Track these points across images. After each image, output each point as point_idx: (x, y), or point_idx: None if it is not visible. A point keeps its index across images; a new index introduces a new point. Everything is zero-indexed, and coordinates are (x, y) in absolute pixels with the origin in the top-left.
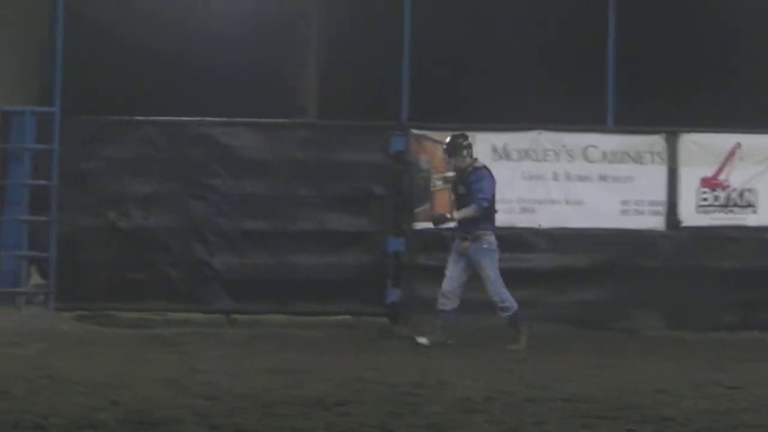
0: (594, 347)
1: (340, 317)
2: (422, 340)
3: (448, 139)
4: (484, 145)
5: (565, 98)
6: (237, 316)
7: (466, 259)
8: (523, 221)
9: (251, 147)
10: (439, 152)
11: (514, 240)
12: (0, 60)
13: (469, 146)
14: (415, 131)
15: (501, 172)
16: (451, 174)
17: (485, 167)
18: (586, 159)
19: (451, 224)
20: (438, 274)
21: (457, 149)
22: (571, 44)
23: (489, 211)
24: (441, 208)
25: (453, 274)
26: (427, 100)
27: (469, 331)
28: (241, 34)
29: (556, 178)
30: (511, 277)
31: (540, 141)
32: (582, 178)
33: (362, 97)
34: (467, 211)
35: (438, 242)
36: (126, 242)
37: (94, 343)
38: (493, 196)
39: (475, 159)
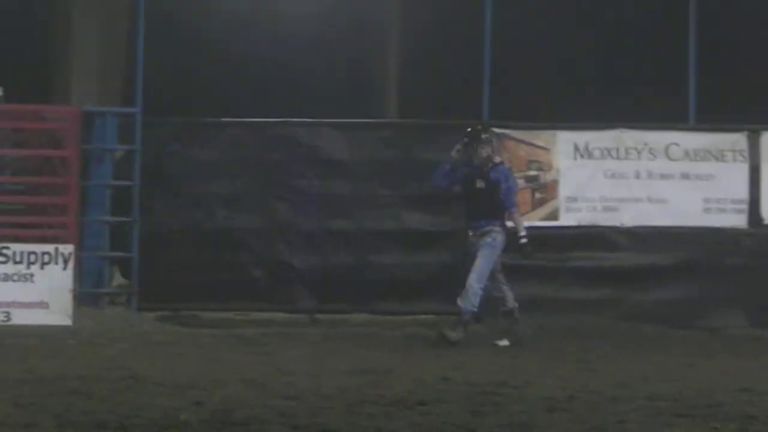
0: (676, 346)
1: (421, 317)
2: (503, 342)
3: (468, 130)
4: (566, 144)
5: (647, 96)
6: (319, 315)
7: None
8: (605, 220)
9: (334, 147)
10: (521, 151)
11: (596, 238)
12: (82, 62)
13: (489, 140)
14: (496, 130)
15: (583, 170)
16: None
17: (503, 163)
18: (668, 157)
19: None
20: (519, 272)
21: (478, 141)
22: (652, 42)
23: (503, 211)
24: (523, 207)
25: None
26: (509, 99)
27: (552, 331)
28: (321, 34)
29: (638, 176)
30: (593, 276)
31: (622, 139)
32: (664, 177)
33: (443, 96)
34: (518, 221)
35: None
36: (209, 243)
37: (177, 343)
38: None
39: (493, 154)
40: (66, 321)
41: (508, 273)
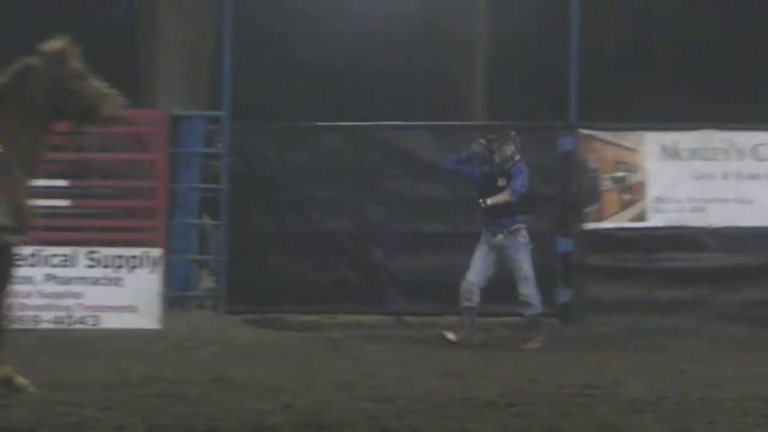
0: (765, 346)
1: (510, 318)
2: (450, 335)
3: (497, 128)
4: (653, 144)
5: (735, 97)
6: (407, 318)
7: (497, 253)
8: (693, 220)
9: (425, 150)
10: (609, 152)
11: (684, 239)
12: (169, 65)
13: (514, 140)
14: (583, 131)
15: (670, 171)
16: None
17: (523, 161)
18: (756, 157)
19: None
20: (609, 274)
21: (504, 138)
22: (738, 42)
23: (525, 204)
24: (610, 208)
25: (480, 268)
26: (596, 100)
27: (641, 332)
28: (409, 37)
29: (725, 176)
30: (681, 277)
31: (709, 140)
32: (752, 177)
33: (530, 98)
34: (500, 200)
35: (608, 242)
36: (301, 246)
37: (265, 346)
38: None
39: (516, 153)
40: (154, 324)
41: (592, 274)
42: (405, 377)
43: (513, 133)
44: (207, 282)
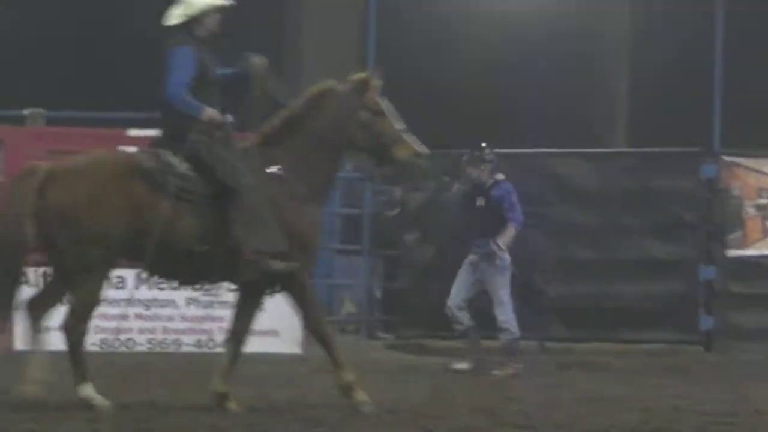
0: None
1: (653, 345)
2: (461, 365)
3: (470, 150)
4: None
5: None
6: (550, 344)
7: (478, 275)
8: None
9: (581, 176)
10: (752, 179)
11: None
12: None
13: (492, 161)
14: (726, 158)
15: None
16: (459, 186)
17: (505, 180)
18: None
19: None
20: (751, 301)
21: (477, 161)
22: None
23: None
24: (754, 235)
25: (459, 288)
26: (739, 126)
27: None
28: (553, 63)
29: None
30: None
31: None
32: None
33: (673, 124)
34: (509, 236)
35: (750, 269)
36: (452, 271)
37: (406, 371)
38: None
39: (495, 173)
40: (296, 349)
41: (735, 301)
42: (547, 403)
43: (486, 153)
44: (348, 307)
